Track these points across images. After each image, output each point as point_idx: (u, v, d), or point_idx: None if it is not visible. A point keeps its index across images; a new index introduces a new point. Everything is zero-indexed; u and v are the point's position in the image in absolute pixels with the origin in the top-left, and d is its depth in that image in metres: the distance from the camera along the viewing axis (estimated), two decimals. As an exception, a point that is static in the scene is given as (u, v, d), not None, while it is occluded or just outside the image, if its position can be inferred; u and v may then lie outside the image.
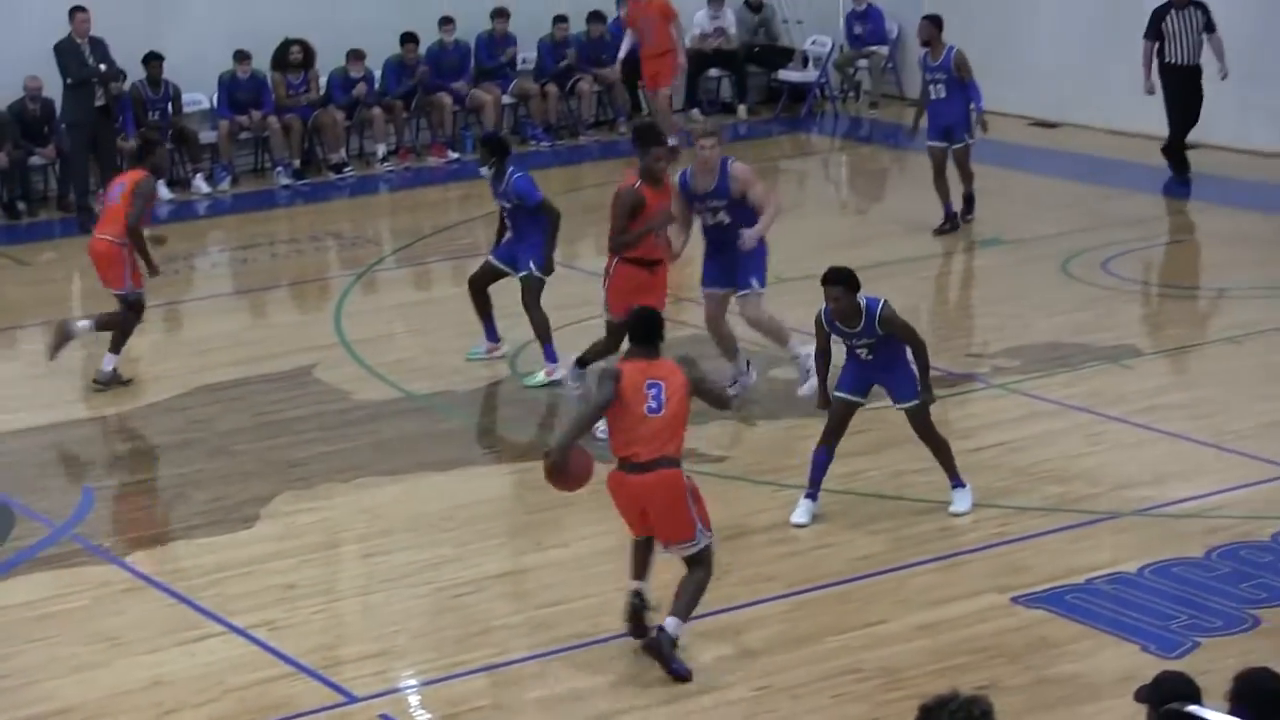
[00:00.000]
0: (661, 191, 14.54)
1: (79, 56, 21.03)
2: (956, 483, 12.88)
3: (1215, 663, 10.13)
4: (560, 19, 24.02)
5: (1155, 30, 20.74)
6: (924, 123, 19.83)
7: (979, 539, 12.42)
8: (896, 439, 14.06)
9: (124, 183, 15.65)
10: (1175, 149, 20.98)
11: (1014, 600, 11.49)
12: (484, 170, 15.63)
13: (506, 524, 12.99)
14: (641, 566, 11.23)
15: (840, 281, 12.40)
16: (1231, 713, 7.11)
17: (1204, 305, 17.63)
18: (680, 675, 10.85)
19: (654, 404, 10.90)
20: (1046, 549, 12.23)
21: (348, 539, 13.01)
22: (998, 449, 14.02)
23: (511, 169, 15.52)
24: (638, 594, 11.07)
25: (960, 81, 19.11)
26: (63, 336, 15.94)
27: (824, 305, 12.58)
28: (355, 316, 17.75)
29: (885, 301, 12.49)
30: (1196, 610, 11.25)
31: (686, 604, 10.98)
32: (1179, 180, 21.07)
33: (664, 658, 10.84)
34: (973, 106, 19.21)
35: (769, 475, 13.54)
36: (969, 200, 19.66)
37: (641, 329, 11.21)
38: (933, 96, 19.31)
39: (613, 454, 10.96)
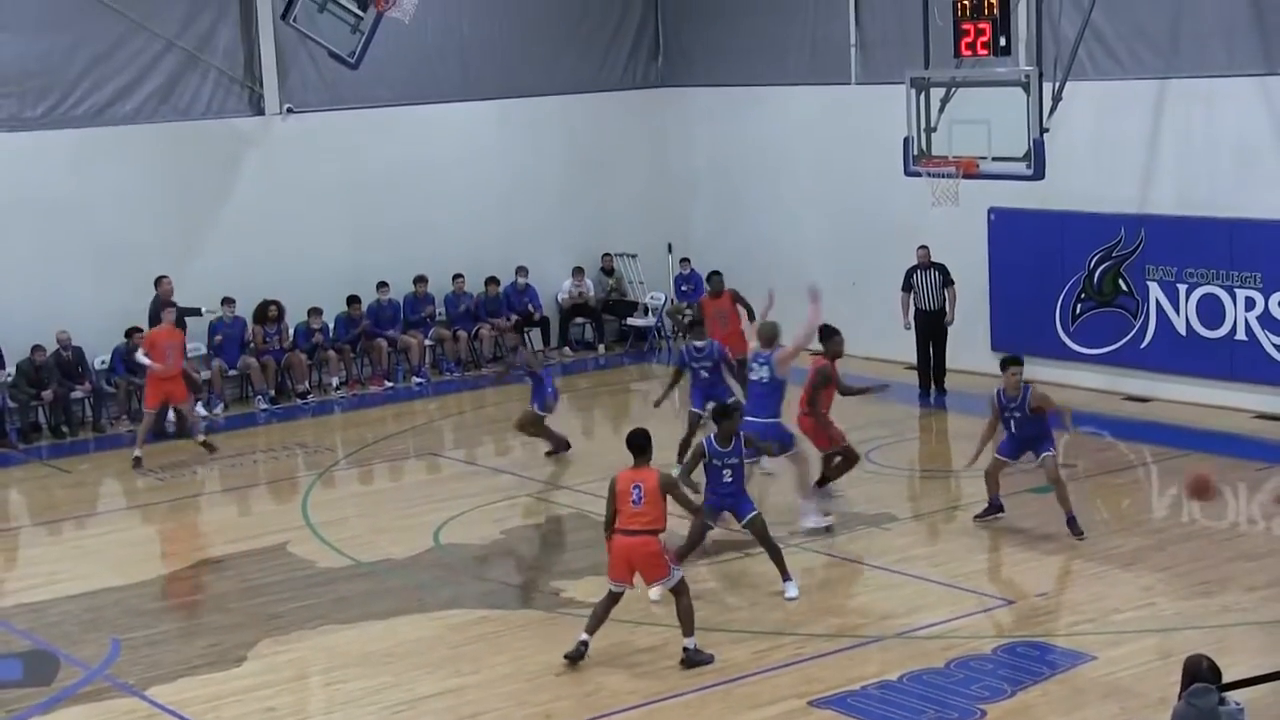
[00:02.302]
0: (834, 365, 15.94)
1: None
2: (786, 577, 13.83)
3: (956, 744, 10.26)
4: (458, 276, 24.16)
5: (907, 284, 20.96)
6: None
7: (783, 658, 12.43)
8: (723, 586, 14.19)
9: None
10: (922, 371, 21.04)
11: (810, 703, 11.52)
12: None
13: (434, 657, 12.91)
14: (595, 623, 12.41)
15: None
16: None
17: (938, 484, 17.66)
18: (708, 661, 12.32)
19: (635, 497, 12.15)
20: (832, 665, 12.25)
21: (314, 672, 12.89)
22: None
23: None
24: (584, 643, 12.33)
25: (1038, 415, 15.20)
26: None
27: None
28: (318, 505, 17.66)
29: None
30: (940, 707, 11.32)
31: (687, 623, 12.39)
32: (924, 394, 20.90)
33: (697, 663, 12.25)
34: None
35: (629, 617, 13.52)
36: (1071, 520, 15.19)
37: (631, 446, 12.48)
38: (1013, 429, 15.23)
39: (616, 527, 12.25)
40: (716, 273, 20.63)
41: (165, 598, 14.92)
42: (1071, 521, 14.96)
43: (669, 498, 12.34)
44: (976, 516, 15.65)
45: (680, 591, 12.45)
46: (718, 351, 17.43)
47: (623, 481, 12.38)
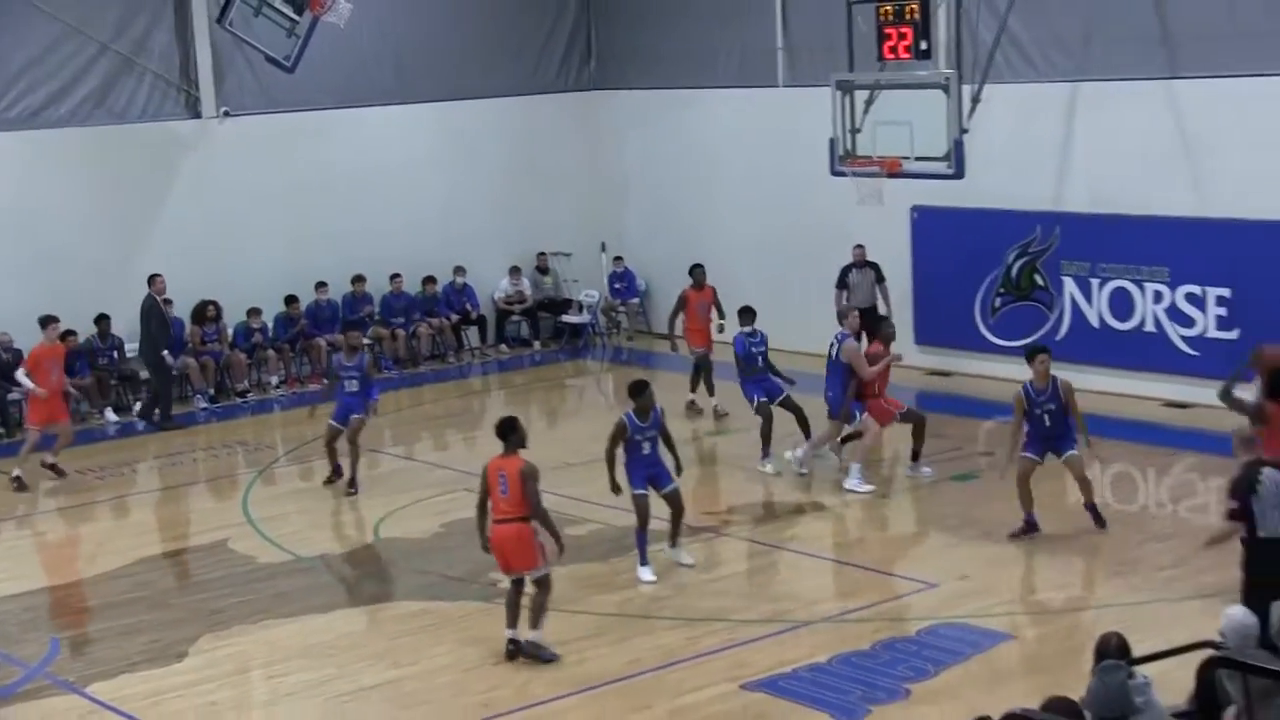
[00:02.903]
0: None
1: (159, 313, 21.28)
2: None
3: (882, 724, 10.37)
4: (395, 275, 24.09)
5: (842, 281, 21.02)
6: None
7: (716, 643, 12.47)
8: (659, 574, 14.22)
9: None
10: None
11: (742, 686, 11.58)
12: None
13: (374, 649, 12.89)
14: (512, 616, 12.25)
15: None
16: None
17: (866, 473, 17.78)
18: (551, 659, 12.09)
19: (502, 487, 12.06)
20: (763, 649, 12.31)
21: (255, 666, 12.82)
22: (727, 579, 14.13)
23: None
24: (512, 640, 12.20)
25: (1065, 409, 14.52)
26: None
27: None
28: (258, 502, 17.56)
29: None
30: (867, 687, 11.42)
31: (536, 616, 12.23)
32: None
33: (535, 656, 12.07)
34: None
35: (565, 606, 13.58)
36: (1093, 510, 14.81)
37: (498, 433, 12.34)
38: (1047, 424, 14.49)
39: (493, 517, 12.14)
40: (699, 265, 20.53)
41: (105, 595, 14.78)
42: (1092, 509, 14.57)
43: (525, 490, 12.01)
44: (1011, 535, 14.53)
45: (543, 586, 12.25)
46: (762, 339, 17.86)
47: (491, 470, 12.25)
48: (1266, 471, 10.72)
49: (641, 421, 13.98)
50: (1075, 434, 14.57)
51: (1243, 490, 10.72)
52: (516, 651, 12.26)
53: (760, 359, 17.75)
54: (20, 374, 19.15)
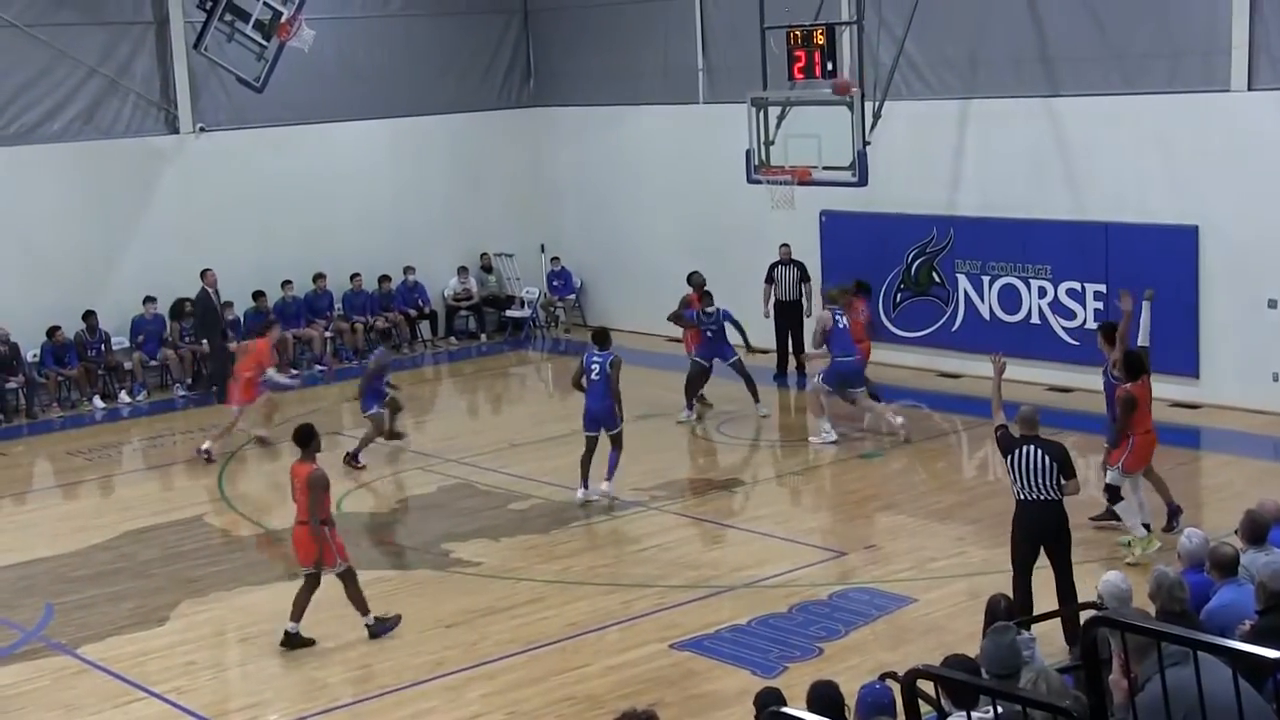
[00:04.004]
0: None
1: (210, 301, 21.37)
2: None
3: (797, 679, 10.30)
4: (355, 275, 23.83)
5: (770, 277, 20.70)
6: None
7: (646, 607, 12.42)
8: (592, 545, 14.16)
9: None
10: (781, 353, 20.64)
11: (670, 646, 11.54)
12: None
13: (335, 614, 12.67)
14: (296, 611, 11.89)
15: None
16: (815, 711, 7.17)
17: (783, 452, 17.74)
18: (394, 624, 11.96)
19: (293, 491, 11.77)
20: (690, 612, 12.27)
21: (230, 629, 12.68)
22: (655, 549, 14.05)
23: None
24: (293, 632, 11.82)
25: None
26: None
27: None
28: (232, 480, 17.38)
29: None
30: (784, 646, 11.40)
31: (360, 605, 11.90)
32: (781, 374, 20.48)
33: (383, 631, 11.89)
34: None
35: (511, 573, 13.49)
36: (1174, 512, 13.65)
37: (295, 439, 12.04)
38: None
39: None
40: (696, 272, 19.47)
41: (93, 566, 14.53)
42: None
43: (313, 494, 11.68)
44: (1165, 530, 13.14)
45: (346, 579, 11.93)
46: (722, 315, 18.39)
47: (291, 474, 12.01)
48: None
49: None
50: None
51: None
52: (289, 641, 11.87)
53: (710, 333, 18.18)
54: (272, 373, 18.76)
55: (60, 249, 21.54)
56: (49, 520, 16.21)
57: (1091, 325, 18.20)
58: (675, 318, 18.98)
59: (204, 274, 21.51)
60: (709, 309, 18.49)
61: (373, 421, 17.64)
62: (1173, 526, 13.15)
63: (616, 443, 15.27)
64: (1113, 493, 12.98)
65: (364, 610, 12.04)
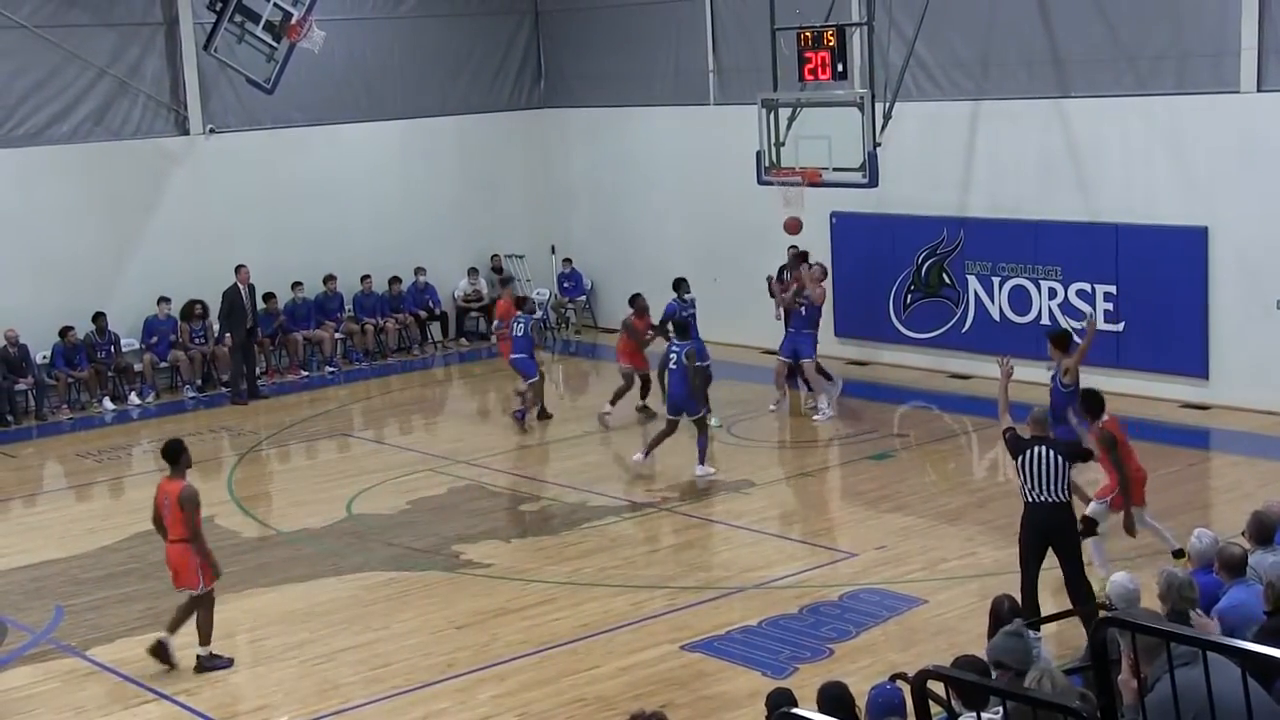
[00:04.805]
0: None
1: (239, 297, 21.33)
2: None
3: (808, 680, 10.32)
4: (365, 276, 23.85)
5: (780, 277, 20.50)
6: None
7: (657, 608, 12.44)
8: (603, 547, 14.20)
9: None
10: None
11: (681, 647, 11.56)
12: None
13: (346, 615, 12.77)
14: (173, 623, 11.76)
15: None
16: (826, 712, 7.22)
17: (791, 453, 17.74)
18: (226, 665, 11.62)
19: (164, 509, 11.62)
20: (700, 613, 12.28)
21: (239, 630, 12.68)
22: (667, 550, 14.09)
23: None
24: (160, 641, 11.68)
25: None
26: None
27: None
28: (241, 482, 17.41)
29: None
30: (795, 647, 11.42)
31: (204, 633, 11.66)
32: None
33: (211, 668, 11.57)
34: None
35: (521, 575, 13.53)
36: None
37: (165, 455, 11.86)
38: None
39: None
40: (639, 295, 19.24)
41: (104, 568, 14.58)
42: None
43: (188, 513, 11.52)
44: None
45: (201, 604, 11.65)
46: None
47: (159, 492, 11.74)
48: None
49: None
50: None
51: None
52: (158, 649, 11.68)
53: (691, 323, 18.06)
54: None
55: (70, 251, 21.57)
56: (59, 522, 16.26)
57: (1102, 326, 18.24)
58: (657, 329, 18.68)
59: (238, 270, 21.53)
60: (687, 295, 18.87)
61: (533, 388, 18.53)
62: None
63: (700, 427, 16.15)
64: (1088, 526, 12.09)
65: (204, 639, 11.69)
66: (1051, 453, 10.94)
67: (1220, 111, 17.54)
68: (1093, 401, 12.26)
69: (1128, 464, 12.21)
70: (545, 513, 15.51)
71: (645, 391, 18.96)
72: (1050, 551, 11.03)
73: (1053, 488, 10.90)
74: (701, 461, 16.21)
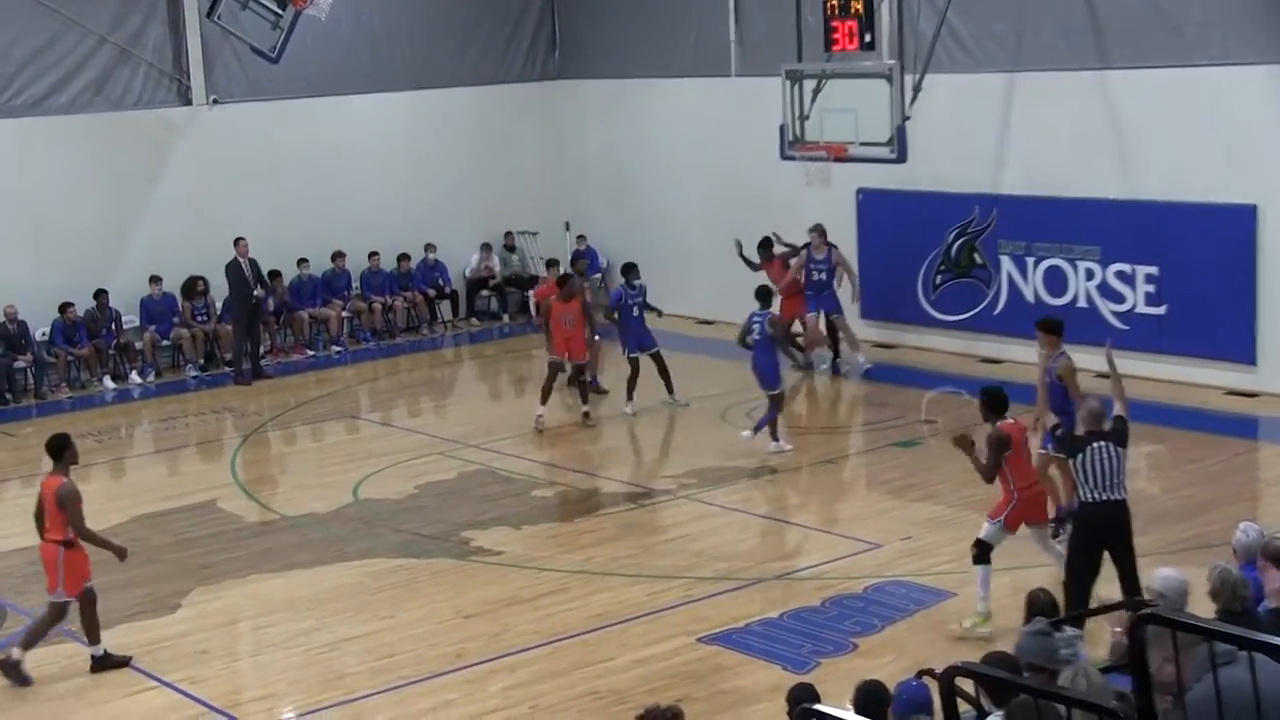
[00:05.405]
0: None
1: (241, 271, 21.29)
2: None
3: (830, 675, 10.31)
4: (373, 253, 23.87)
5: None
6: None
7: (673, 599, 12.40)
8: (617, 535, 14.18)
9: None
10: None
11: (698, 640, 11.53)
12: None
13: (352, 603, 12.78)
14: (31, 639, 11.59)
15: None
16: (862, 712, 7.16)
17: (814, 439, 17.63)
18: (27, 682, 11.33)
19: (40, 506, 11.57)
20: (718, 604, 12.26)
21: (243, 617, 12.74)
22: (683, 539, 14.04)
23: None
24: (99, 655, 11.57)
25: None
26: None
27: None
28: (245, 465, 17.43)
29: None
30: (817, 641, 11.40)
31: (32, 636, 11.49)
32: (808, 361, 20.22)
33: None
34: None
35: (533, 563, 13.51)
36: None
37: (49, 450, 11.63)
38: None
39: None
40: (569, 275, 19.43)
41: (103, 551, 14.55)
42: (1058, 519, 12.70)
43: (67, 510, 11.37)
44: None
45: (54, 612, 11.50)
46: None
47: (42, 487, 11.57)
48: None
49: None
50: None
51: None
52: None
53: (636, 309, 18.26)
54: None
55: (70, 224, 21.62)
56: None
57: (1142, 309, 18.14)
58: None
59: (236, 242, 21.47)
60: (636, 282, 18.45)
61: (630, 364, 18.28)
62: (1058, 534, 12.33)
63: (774, 402, 16.16)
64: (982, 550, 11.51)
65: (28, 643, 11.51)
66: (1110, 447, 10.77)
67: (1270, 83, 17.38)
68: (995, 400, 11.55)
69: (1016, 475, 11.38)
70: (558, 499, 15.49)
71: (584, 387, 18.25)
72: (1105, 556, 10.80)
73: (1114, 484, 10.71)
74: (775, 438, 16.20)
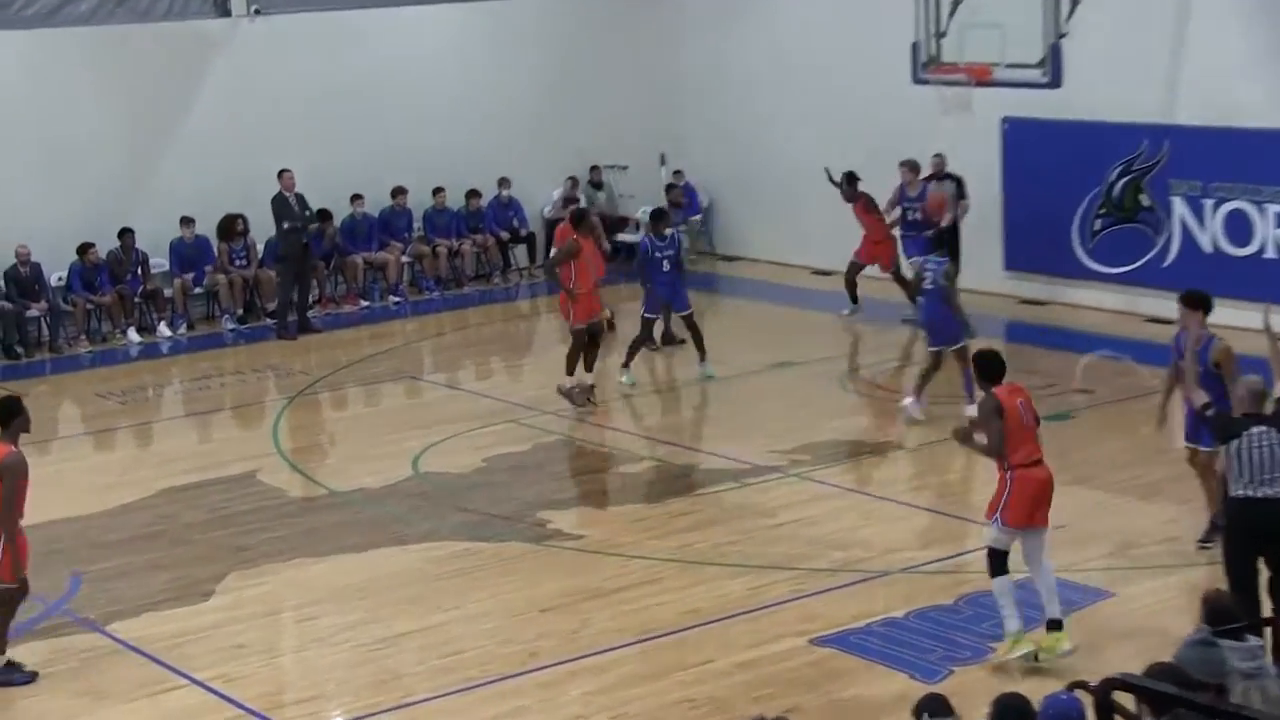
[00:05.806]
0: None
1: (288, 207, 21.60)
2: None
3: (965, 686, 10.27)
4: (438, 189, 24.03)
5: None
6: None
7: (781, 594, 12.40)
8: (717, 518, 14.20)
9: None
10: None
11: (810, 642, 11.52)
12: None
13: (410, 593, 12.89)
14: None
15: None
16: None
17: (946, 409, 17.52)
18: (28, 680, 11.45)
19: None
20: (834, 601, 12.23)
21: (285, 608, 12.86)
22: (794, 524, 14.03)
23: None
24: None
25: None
26: None
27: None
28: (289, 431, 17.63)
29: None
30: (949, 645, 11.36)
31: None
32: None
33: (7, 683, 11.37)
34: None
35: (617, 549, 13.56)
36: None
37: None
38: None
39: None
40: (584, 209, 19.53)
41: (126, 529, 14.84)
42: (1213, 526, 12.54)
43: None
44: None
45: (3, 601, 11.48)
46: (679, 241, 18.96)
47: None
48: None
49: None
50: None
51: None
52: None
53: (668, 264, 18.26)
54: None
55: (90, 155, 21.87)
56: (75, 474, 16.57)
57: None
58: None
59: (281, 174, 21.71)
60: (666, 231, 18.58)
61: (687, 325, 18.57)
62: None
63: (962, 357, 15.97)
64: (993, 560, 11.18)
65: None
66: (1272, 433, 10.62)
67: None
68: (987, 364, 11.29)
69: (1015, 450, 11.05)
70: (648, 475, 15.54)
71: (591, 361, 17.92)
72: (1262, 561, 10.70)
73: (1274, 478, 10.56)
74: (971, 399, 15.59)
